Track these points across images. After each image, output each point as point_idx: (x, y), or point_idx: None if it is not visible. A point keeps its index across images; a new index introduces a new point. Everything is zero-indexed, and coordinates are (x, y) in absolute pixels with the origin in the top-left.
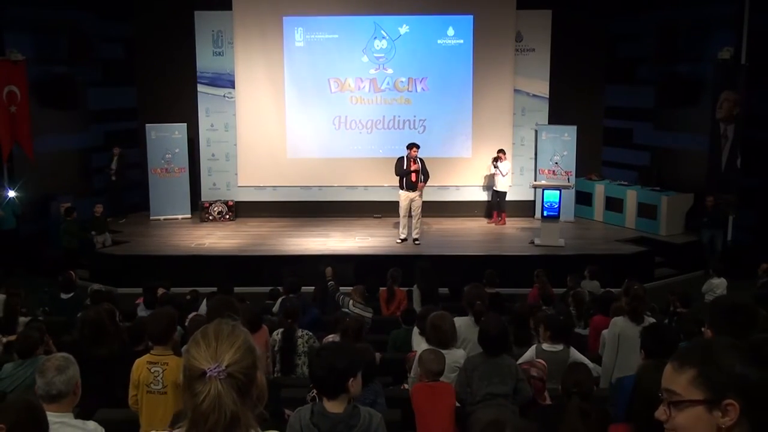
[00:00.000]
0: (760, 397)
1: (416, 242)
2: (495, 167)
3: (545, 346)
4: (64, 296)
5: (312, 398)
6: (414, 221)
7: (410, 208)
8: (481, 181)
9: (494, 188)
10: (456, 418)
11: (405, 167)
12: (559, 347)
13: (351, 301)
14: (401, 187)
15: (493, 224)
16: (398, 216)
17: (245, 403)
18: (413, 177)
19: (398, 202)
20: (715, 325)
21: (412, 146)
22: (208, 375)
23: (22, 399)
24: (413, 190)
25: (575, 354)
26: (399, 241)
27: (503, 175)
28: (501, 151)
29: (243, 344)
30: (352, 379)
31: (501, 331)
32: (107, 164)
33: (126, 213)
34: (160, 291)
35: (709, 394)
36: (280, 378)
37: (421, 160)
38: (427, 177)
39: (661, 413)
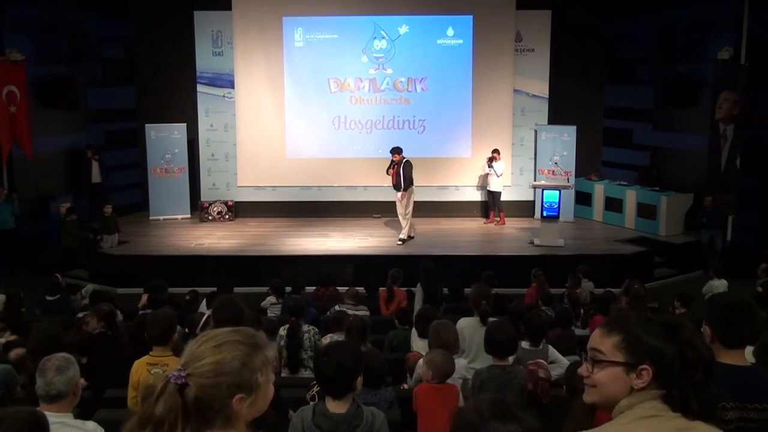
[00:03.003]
0: (669, 367)
1: (398, 242)
2: (489, 167)
3: (524, 344)
4: (49, 298)
5: (312, 397)
6: (404, 221)
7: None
8: (477, 182)
9: (488, 188)
10: None
11: (388, 167)
12: (539, 346)
13: (337, 305)
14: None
15: (491, 224)
16: (397, 216)
17: (189, 417)
18: (393, 179)
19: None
20: (714, 323)
21: (394, 150)
22: (169, 375)
23: (27, 409)
24: (396, 190)
25: (554, 353)
26: (399, 241)
27: (498, 176)
28: (495, 151)
29: (217, 362)
30: (359, 377)
31: (509, 337)
32: (88, 169)
33: (123, 213)
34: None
35: (630, 358)
36: (282, 378)
37: (407, 163)
38: (406, 182)
39: (583, 369)
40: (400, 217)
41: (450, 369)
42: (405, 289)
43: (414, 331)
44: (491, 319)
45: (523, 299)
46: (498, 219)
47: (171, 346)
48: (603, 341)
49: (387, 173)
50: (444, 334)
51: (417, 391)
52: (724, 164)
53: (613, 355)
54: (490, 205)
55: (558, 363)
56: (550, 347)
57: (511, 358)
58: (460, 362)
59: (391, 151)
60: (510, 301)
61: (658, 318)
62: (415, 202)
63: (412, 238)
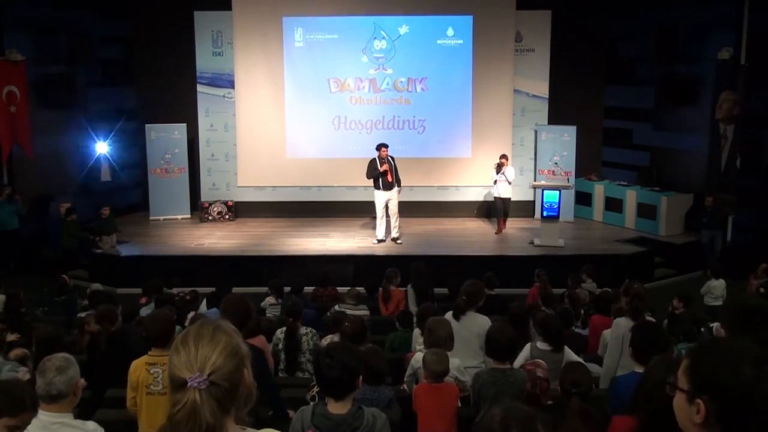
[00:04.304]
0: (737, 408)
1: (398, 241)
2: (500, 173)
3: (539, 344)
4: (57, 299)
5: (312, 398)
6: (393, 221)
7: (387, 209)
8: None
9: (500, 196)
10: (458, 419)
11: (376, 168)
12: (553, 347)
13: (337, 305)
14: (377, 187)
15: (501, 232)
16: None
17: (226, 408)
18: (389, 177)
19: (380, 202)
20: (730, 327)
21: (381, 146)
22: (189, 385)
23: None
24: (389, 190)
25: (569, 354)
26: (376, 242)
27: (509, 183)
28: (504, 156)
29: (224, 348)
30: (360, 376)
31: (509, 339)
32: (97, 168)
33: (123, 213)
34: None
35: (690, 387)
36: (281, 378)
37: (392, 159)
38: (398, 181)
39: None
40: (381, 219)
41: (438, 368)
42: (403, 289)
43: (416, 331)
44: (476, 315)
45: (523, 300)
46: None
47: (170, 346)
48: (681, 364)
49: (375, 173)
50: (437, 330)
51: (416, 391)
52: (724, 164)
53: (681, 380)
54: (498, 212)
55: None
56: (566, 348)
57: (519, 361)
58: (454, 362)
59: (378, 147)
60: (511, 302)
61: (751, 347)
62: (416, 202)
63: (384, 240)
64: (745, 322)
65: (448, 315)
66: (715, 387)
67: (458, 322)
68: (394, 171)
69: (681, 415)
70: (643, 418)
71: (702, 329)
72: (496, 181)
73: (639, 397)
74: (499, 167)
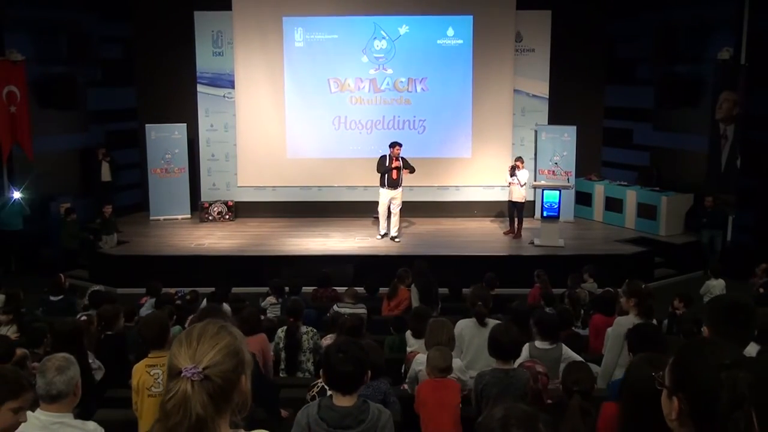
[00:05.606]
0: (706, 407)
1: (396, 239)
2: (513, 176)
3: (537, 343)
4: (53, 298)
5: (312, 398)
6: (393, 219)
7: (390, 206)
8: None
9: (511, 199)
10: (461, 417)
11: (387, 165)
12: (552, 345)
13: (336, 304)
14: (382, 185)
15: (511, 235)
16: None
17: (220, 407)
18: (394, 175)
19: (384, 200)
20: (714, 324)
21: (395, 145)
22: (182, 375)
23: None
24: (394, 188)
25: (567, 351)
26: (379, 237)
27: (522, 185)
28: (519, 159)
29: (225, 347)
30: (369, 370)
31: (512, 340)
32: (97, 169)
33: (124, 213)
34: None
35: (670, 384)
36: (280, 378)
37: (403, 158)
38: (411, 170)
39: None
40: (383, 216)
41: (447, 363)
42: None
43: (408, 333)
44: (492, 321)
45: (524, 299)
46: (511, 229)
47: (168, 347)
48: (670, 360)
49: (385, 168)
50: (438, 332)
51: (418, 389)
52: (724, 164)
53: (666, 376)
54: (511, 215)
55: (571, 360)
56: (564, 346)
57: (518, 361)
58: (456, 363)
59: (392, 145)
60: (510, 302)
61: (734, 351)
62: (416, 202)
63: (386, 235)
64: (729, 319)
65: (468, 321)
66: (691, 386)
67: (484, 328)
68: (403, 167)
69: (664, 410)
70: (626, 406)
71: (702, 328)
72: (510, 184)
73: (623, 386)
74: (513, 170)
